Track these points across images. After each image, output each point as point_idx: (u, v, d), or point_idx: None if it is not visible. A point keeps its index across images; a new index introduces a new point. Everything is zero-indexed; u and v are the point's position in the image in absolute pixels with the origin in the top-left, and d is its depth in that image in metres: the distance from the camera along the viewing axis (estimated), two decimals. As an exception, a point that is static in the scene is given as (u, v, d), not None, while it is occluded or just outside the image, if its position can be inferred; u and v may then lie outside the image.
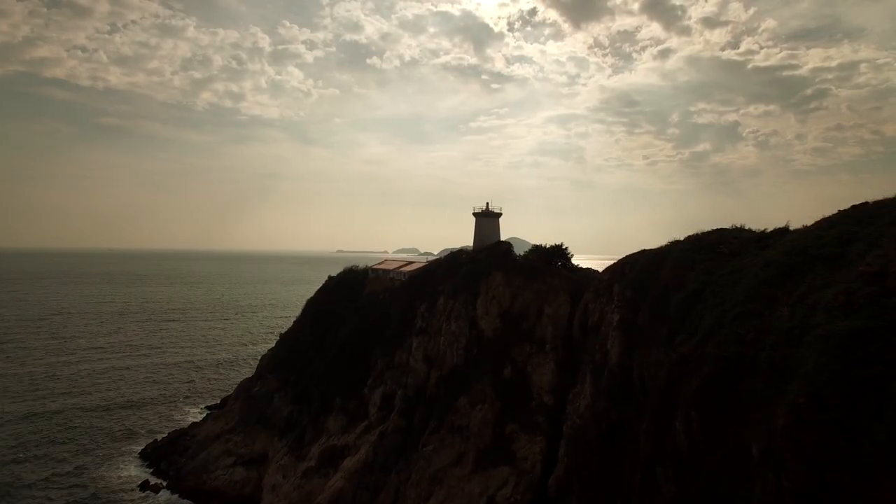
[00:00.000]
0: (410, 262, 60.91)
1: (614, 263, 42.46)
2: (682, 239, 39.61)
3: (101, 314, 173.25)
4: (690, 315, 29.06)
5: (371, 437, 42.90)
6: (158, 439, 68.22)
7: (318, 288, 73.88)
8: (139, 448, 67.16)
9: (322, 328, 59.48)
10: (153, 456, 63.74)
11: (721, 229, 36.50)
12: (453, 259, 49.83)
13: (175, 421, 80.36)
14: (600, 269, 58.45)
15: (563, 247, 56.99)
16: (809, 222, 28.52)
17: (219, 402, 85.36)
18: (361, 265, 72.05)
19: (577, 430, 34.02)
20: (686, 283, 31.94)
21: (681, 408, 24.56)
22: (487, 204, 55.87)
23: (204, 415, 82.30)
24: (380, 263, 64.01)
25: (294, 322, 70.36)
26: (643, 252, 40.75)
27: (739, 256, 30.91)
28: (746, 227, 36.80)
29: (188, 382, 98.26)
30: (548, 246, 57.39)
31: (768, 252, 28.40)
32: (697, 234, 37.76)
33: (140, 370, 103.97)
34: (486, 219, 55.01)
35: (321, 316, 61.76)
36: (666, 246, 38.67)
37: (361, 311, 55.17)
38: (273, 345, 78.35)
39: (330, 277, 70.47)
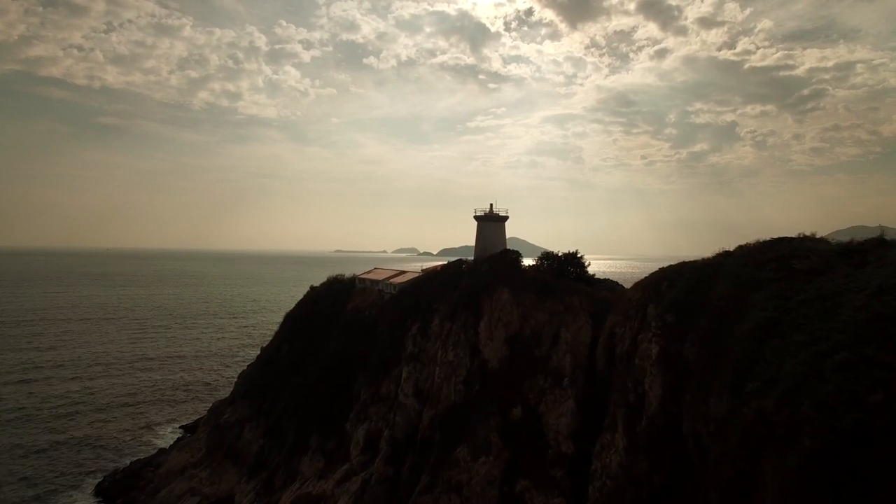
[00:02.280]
0: (402, 272, 54.27)
1: (646, 278, 35.89)
2: (731, 250, 33.23)
3: (85, 320, 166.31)
4: (764, 354, 22.39)
5: (352, 486, 36.34)
6: (119, 469, 61.66)
7: (327, 279, 66.35)
8: (97, 481, 60.67)
9: (300, 348, 52.92)
10: (110, 491, 57.56)
11: (786, 239, 30.07)
12: (451, 270, 43.24)
13: (143, 445, 74.40)
14: (600, 270, 51.62)
15: (579, 255, 50.46)
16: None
17: (195, 420, 79.21)
18: (348, 274, 65.90)
19: (607, 495, 27.43)
20: (750, 310, 25.26)
21: (770, 494, 17.83)
22: (491, 205, 49.29)
23: (178, 436, 76.39)
24: (368, 272, 57.48)
25: (273, 337, 63.84)
26: (683, 265, 34.19)
27: (824, 276, 24.18)
28: (817, 236, 30.18)
29: (166, 399, 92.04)
30: (560, 253, 50.81)
31: (873, 272, 21.70)
32: (755, 245, 31.35)
33: (115, 382, 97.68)
34: (490, 223, 48.33)
35: (300, 333, 55.15)
36: (714, 258, 32.32)
37: (344, 330, 48.50)
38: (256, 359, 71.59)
39: (312, 288, 63.91)
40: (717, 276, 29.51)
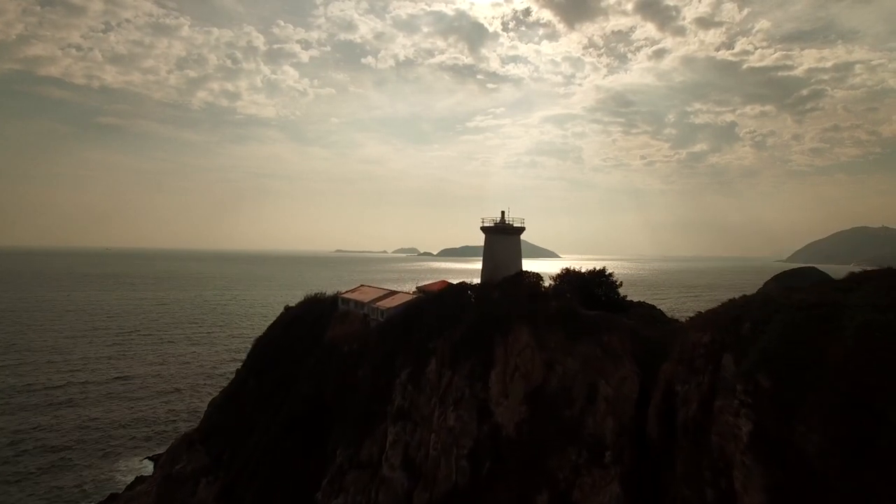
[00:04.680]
0: (393, 293, 45.61)
1: (713, 312, 27.36)
2: (840, 279, 24.60)
3: (64, 330, 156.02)
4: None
5: (321, 586, 27.50)
6: (58, 524, 52.96)
7: (305, 298, 57.45)
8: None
9: (269, 384, 44.23)
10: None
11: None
12: (453, 296, 34.46)
13: (101, 483, 65.15)
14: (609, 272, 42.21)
15: (607, 273, 41.76)
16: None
17: (163, 452, 70.35)
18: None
19: None
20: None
21: None
22: (503, 214, 40.41)
23: (142, 472, 67.66)
24: (352, 291, 48.96)
25: (241, 366, 55.21)
26: (769, 302, 25.14)
27: None
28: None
29: (138, 429, 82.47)
30: (584, 271, 42.06)
31: None
32: (882, 272, 22.67)
33: (83, 410, 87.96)
34: (502, 236, 39.55)
35: (270, 365, 46.48)
36: (818, 294, 23.51)
37: (320, 367, 39.79)
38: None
39: (287, 309, 55.16)
40: (832, 321, 20.85)
